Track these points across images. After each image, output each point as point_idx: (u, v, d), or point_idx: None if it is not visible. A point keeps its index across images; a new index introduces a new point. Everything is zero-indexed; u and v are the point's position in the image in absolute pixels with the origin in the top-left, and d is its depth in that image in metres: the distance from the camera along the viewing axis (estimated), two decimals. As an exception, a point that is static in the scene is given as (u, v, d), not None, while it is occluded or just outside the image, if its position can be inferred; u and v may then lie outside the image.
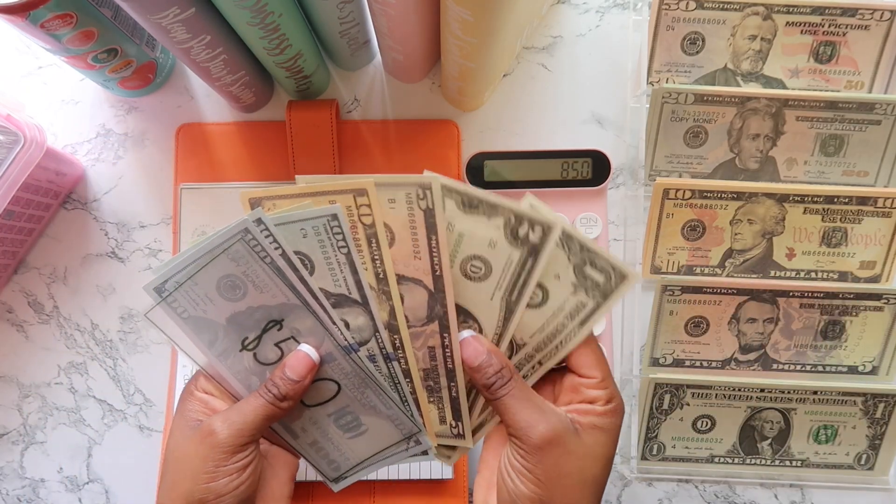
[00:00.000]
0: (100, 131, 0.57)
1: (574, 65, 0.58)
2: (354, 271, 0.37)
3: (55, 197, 0.55)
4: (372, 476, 0.52)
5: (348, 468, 0.42)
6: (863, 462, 0.54)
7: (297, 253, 0.37)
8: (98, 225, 0.56)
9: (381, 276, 0.38)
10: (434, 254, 0.37)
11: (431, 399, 0.41)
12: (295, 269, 0.36)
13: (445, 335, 0.39)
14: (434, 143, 0.56)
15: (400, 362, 0.39)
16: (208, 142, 0.56)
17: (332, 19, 0.48)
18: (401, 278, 0.38)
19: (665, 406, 0.53)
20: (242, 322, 0.38)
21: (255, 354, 0.39)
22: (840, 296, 0.53)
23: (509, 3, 0.40)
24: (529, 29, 0.56)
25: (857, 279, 0.54)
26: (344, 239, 0.37)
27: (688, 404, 0.53)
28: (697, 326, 0.53)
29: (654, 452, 0.54)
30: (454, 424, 0.41)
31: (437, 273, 0.38)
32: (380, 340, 0.39)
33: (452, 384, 0.40)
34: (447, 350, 0.39)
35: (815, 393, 0.52)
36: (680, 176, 0.55)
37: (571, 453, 0.36)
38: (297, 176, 0.37)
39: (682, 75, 0.55)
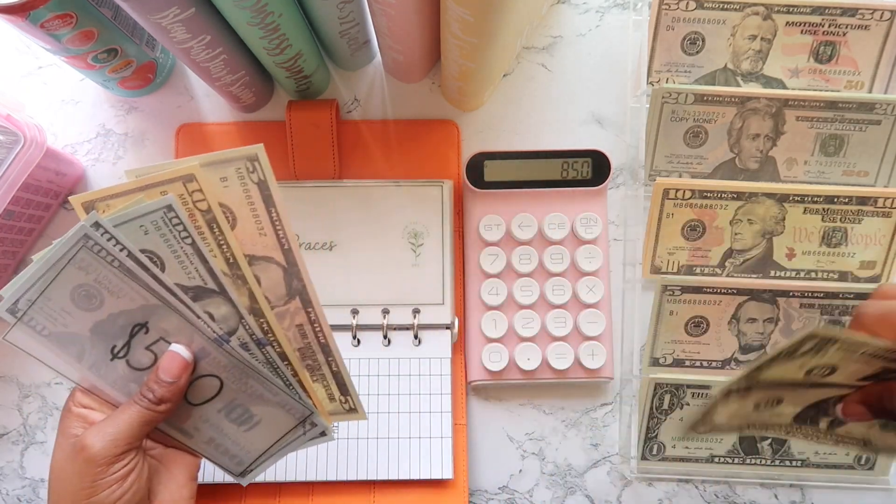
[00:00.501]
0: (100, 131, 0.57)
1: (574, 65, 0.58)
2: (204, 260, 0.36)
3: (55, 197, 0.55)
4: (371, 476, 0.52)
5: (251, 461, 0.42)
6: (863, 462, 0.54)
7: (143, 251, 0.36)
8: (98, 225, 0.56)
9: (230, 260, 0.37)
10: (278, 227, 0.36)
11: (315, 378, 0.40)
12: (145, 269, 0.35)
13: (310, 310, 0.38)
14: (434, 143, 0.56)
15: (273, 346, 0.39)
16: (208, 142, 0.56)
17: (332, 19, 0.48)
18: (252, 258, 0.37)
19: (665, 406, 0.53)
20: (107, 330, 0.37)
21: (127, 361, 0.38)
22: (840, 296, 0.53)
23: (509, 3, 0.40)
24: (529, 29, 0.56)
25: (857, 279, 0.54)
26: (185, 229, 0.36)
27: (688, 404, 0.53)
28: (697, 326, 0.53)
29: (654, 452, 0.54)
30: (343, 400, 0.41)
31: (286, 247, 0.37)
32: (247, 327, 0.38)
33: (330, 359, 0.40)
34: (316, 325, 0.39)
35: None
36: (680, 176, 0.55)
37: None
38: (125, 170, 0.36)
39: (682, 75, 0.55)
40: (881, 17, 0.53)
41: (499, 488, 0.55)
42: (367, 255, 0.54)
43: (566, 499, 0.55)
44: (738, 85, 0.55)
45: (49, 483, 0.37)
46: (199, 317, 0.37)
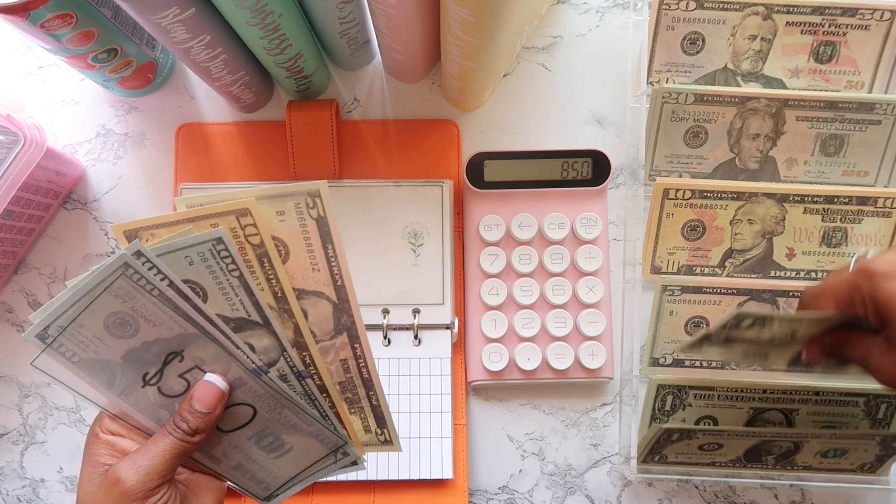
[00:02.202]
0: (100, 131, 0.57)
1: (574, 65, 0.58)
2: (250, 293, 0.35)
3: (55, 197, 0.55)
4: (371, 476, 0.52)
5: (278, 486, 0.41)
6: (866, 469, 0.53)
7: (186, 281, 0.35)
8: (98, 225, 0.56)
9: (278, 294, 0.36)
10: (333, 263, 0.36)
11: (353, 410, 0.40)
12: (187, 298, 0.34)
13: (356, 345, 0.38)
14: (434, 143, 0.56)
15: (313, 378, 0.38)
16: (208, 142, 0.56)
17: (332, 19, 0.48)
18: (301, 292, 0.36)
19: (667, 407, 0.53)
20: (140, 357, 0.36)
21: (159, 388, 0.37)
22: (840, 296, 0.53)
23: (509, 3, 0.40)
24: (529, 29, 0.56)
25: (857, 279, 0.54)
26: (234, 262, 0.34)
27: (690, 405, 0.53)
28: (697, 326, 0.53)
29: (656, 459, 0.53)
30: (379, 432, 0.41)
31: (339, 283, 0.36)
32: (289, 359, 0.37)
33: (371, 393, 0.39)
34: (360, 361, 0.38)
35: (818, 394, 0.52)
36: (680, 176, 0.55)
37: None
38: (174, 199, 0.35)
39: (682, 75, 0.55)
40: (881, 17, 0.53)
41: (499, 488, 0.55)
42: (367, 256, 0.54)
43: (566, 499, 0.55)
44: (738, 85, 0.55)
45: None
46: (238, 347, 0.36)
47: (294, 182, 0.34)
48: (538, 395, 0.55)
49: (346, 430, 0.40)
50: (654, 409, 0.53)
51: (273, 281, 0.36)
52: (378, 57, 0.57)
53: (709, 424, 0.53)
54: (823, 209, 0.53)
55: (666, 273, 0.54)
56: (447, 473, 0.52)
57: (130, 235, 0.35)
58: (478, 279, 0.54)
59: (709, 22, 0.54)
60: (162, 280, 0.34)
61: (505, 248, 0.54)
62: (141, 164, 0.57)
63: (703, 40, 0.54)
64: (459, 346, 0.54)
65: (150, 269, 0.33)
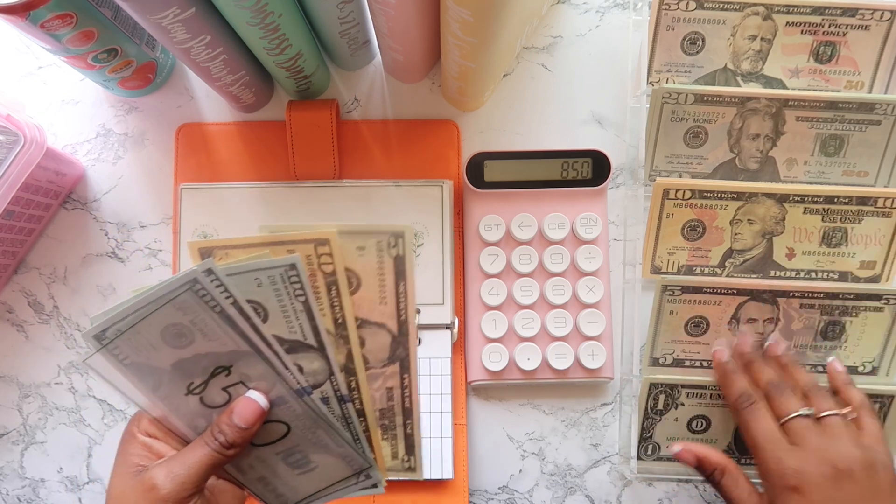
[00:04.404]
0: (100, 131, 0.57)
1: (574, 65, 0.58)
2: (311, 318, 0.36)
3: (55, 197, 0.55)
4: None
5: (296, 501, 0.42)
6: None
7: (250, 301, 0.35)
8: (98, 225, 0.56)
9: (339, 321, 0.37)
10: (401, 300, 0.37)
11: (385, 437, 0.41)
12: (247, 317, 0.35)
13: (405, 376, 0.39)
14: (434, 143, 0.56)
15: (354, 402, 0.39)
16: (208, 142, 0.56)
17: (332, 19, 0.48)
18: (364, 322, 0.37)
19: (660, 406, 0.53)
20: (188, 368, 0.37)
21: (201, 398, 0.38)
22: (840, 296, 0.53)
23: (509, 3, 0.40)
24: (529, 29, 0.56)
25: (857, 279, 0.54)
26: (302, 288, 0.35)
27: (682, 404, 0.53)
28: (697, 326, 0.53)
29: (649, 452, 0.53)
30: (406, 459, 0.41)
31: (403, 318, 0.37)
32: (335, 383, 0.38)
33: (408, 422, 0.40)
34: (406, 391, 0.39)
35: (814, 393, 0.52)
36: (680, 176, 0.55)
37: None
38: (259, 225, 0.36)
39: (682, 75, 0.55)
40: (881, 18, 0.53)
41: (499, 488, 0.55)
42: (367, 255, 0.54)
43: (566, 499, 0.55)
44: (738, 85, 0.55)
45: None
46: (287, 367, 0.37)
47: (377, 223, 0.35)
48: (538, 395, 0.55)
49: (373, 454, 0.41)
50: (646, 409, 0.53)
51: (336, 308, 0.37)
52: (378, 57, 0.57)
53: (701, 424, 0.53)
54: (823, 209, 0.53)
55: (666, 273, 0.54)
56: (447, 473, 0.52)
57: (205, 253, 0.36)
58: (478, 279, 0.54)
59: (709, 22, 0.54)
60: (227, 298, 0.35)
61: (505, 248, 0.54)
62: (141, 164, 0.57)
63: (703, 40, 0.54)
64: (459, 346, 0.55)
65: (217, 286, 0.34)
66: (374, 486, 0.42)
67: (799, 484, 0.42)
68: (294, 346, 0.37)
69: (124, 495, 0.36)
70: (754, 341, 0.51)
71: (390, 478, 0.43)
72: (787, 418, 0.45)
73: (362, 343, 0.38)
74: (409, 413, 0.40)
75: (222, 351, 0.36)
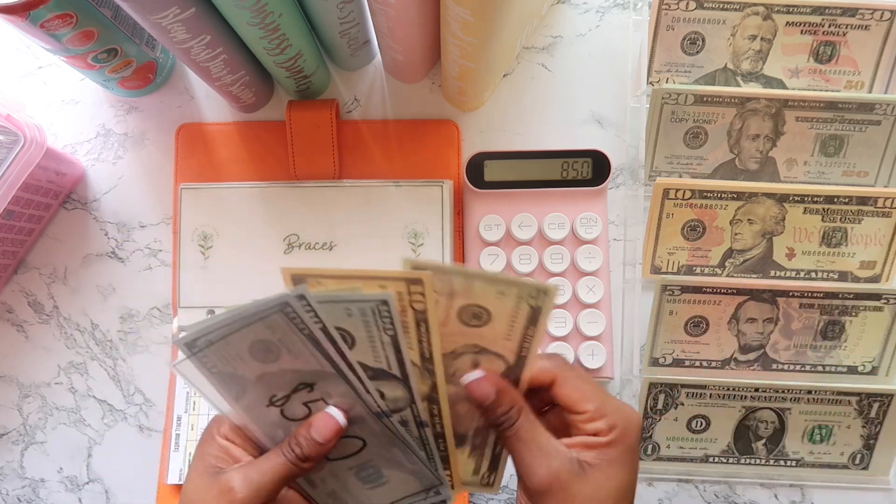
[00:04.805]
0: (100, 131, 0.57)
1: (574, 65, 0.58)
2: (398, 351, 0.36)
3: (55, 197, 0.55)
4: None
5: None
6: (857, 462, 0.54)
7: (338, 329, 0.36)
8: (98, 225, 0.56)
9: (426, 355, 0.37)
10: (526, 341, 0.37)
11: (473, 454, 0.41)
12: (334, 342, 0.36)
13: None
14: (434, 143, 0.56)
15: (435, 427, 0.39)
16: (208, 142, 0.56)
17: (332, 19, 0.48)
18: (482, 350, 0.38)
19: (660, 406, 0.53)
20: (272, 382, 0.37)
21: (282, 410, 0.38)
22: (840, 296, 0.53)
23: (509, 3, 0.40)
24: (529, 29, 0.56)
25: (857, 279, 0.54)
26: (392, 324, 0.36)
27: (682, 404, 0.53)
28: (697, 326, 0.53)
29: (649, 452, 0.54)
30: (487, 476, 0.41)
31: (523, 354, 0.38)
32: (415, 410, 0.38)
33: (499, 440, 0.40)
34: None
35: (810, 393, 0.52)
36: (680, 176, 0.55)
37: (576, 496, 0.34)
38: (405, 258, 0.37)
39: (682, 75, 0.55)
40: (881, 17, 0.53)
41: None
42: (367, 255, 0.54)
43: (566, 499, 0.55)
44: (738, 85, 0.55)
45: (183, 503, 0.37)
46: (368, 392, 0.37)
47: (520, 277, 0.36)
48: (538, 395, 0.55)
49: (448, 471, 0.41)
50: (646, 408, 0.53)
51: (423, 343, 0.37)
52: (378, 57, 0.57)
53: (701, 423, 0.53)
54: (823, 209, 0.53)
55: (666, 273, 0.54)
56: (447, 473, 0.52)
57: (297, 279, 0.36)
58: (478, 279, 0.54)
59: (709, 22, 0.54)
60: (316, 323, 0.35)
61: (505, 248, 0.54)
62: (141, 164, 0.57)
63: (703, 40, 0.54)
64: (459, 346, 0.54)
65: (308, 311, 0.35)
66: (444, 502, 0.42)
67: None
68: (378, 374, 0.37)
69: (200, 493, 0.37)
70: None
71: (465, 491, 0.43)
72: None
73: (476, 364, 0.38)
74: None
75: (307, 369, 0.37)
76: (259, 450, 0.39)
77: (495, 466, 0.41)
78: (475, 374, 0.37)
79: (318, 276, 0.36)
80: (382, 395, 0.38)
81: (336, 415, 0.37)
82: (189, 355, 0.36)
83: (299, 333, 0.35)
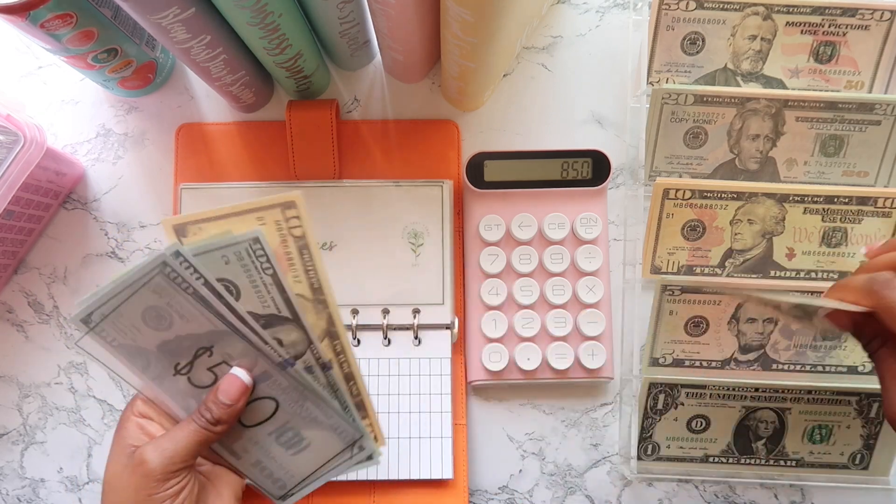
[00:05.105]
0: (100, 131, 0.57)
1: (574, 65, 0.58)
2: (282, 290, 0.37)
3: (55, 197, 0.55)
4: (371, 476, 0.52)
5: (293, 484, 0.42)
6: (857, 462, 0.54)
7: (221, 280, 0.37)
8: (98, 225, 0.56)
9: (315, 286, 0.38)
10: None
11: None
12: (220, 297, 0.36)
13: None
14: (434, 143, 0.56)
15: (342, 367, 0.40)
16: (208, 142, 0.56)
17: (332, 19, 0.48)
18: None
19: (660, 406, 0.53)
20: (172, 349, 0.38)
21: (189, 378, 0.39)
22: (840, 296, 0.53)
23: (509, 3, 0.40)
24: (529, 29, 0.56)
25: (856, 279, 0.54)
26: (268, 261, 0.36)
27: (682, 404, 0.53)
28: (697, 326, 0.53)
29: (649, 452, 0.54)
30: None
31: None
32: (315, 351, 0.39)
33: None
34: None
35: (810, 392, 0.52)
36: (680, 176, 0.55)
37: None
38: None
39: (682, 75, 0.55)
40: (881, 17, 0.53)
41: (499, 488, 0.55)
42: (366, 255, 0.54)
43: (566, 499, 0.55)
44: (738, 85, 0.55)
45: (104, 490, 0.38)
46: (266, 342, 0.38)
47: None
48: (538, 395, 0.55)
49: (369, 419, 0.41)
50: (646, 408, 0.53)
51: (311, 272, 0.38)
52: (378, 57, 0.57)
53: (701, 423, 0.53)
54: (823, 209, 0.53)
55: (666, 273, 0.54)
56: (447, 473, 0.52)
57: (179, 230, 0.37)
58: (478, 279, 0.54)
59: (709, 22, 0.54)
60: (198, 279, 0.36)
61: (505, 248, 0.54)
62: (141, 164, 0.57)
63: (703, 40, 0.54)
64: (459, 346, 0.55)
65: (186, 268, 0.35)
66: (370, 457, 0.42)
67: None
68: (270, 321, 0.38)
69: (117, 475, 0.37)
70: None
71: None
72: None
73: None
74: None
75: (201, 332, 0.37)
76: (175, 424, 0.39)
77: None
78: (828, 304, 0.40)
79: (196, 221, 0.37)
80: (281, 343, 0.38)
81: (240, 374, 0.38)
82: (86, 331, 0.36)
83: (183, 293, 0.36)
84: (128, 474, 0.37)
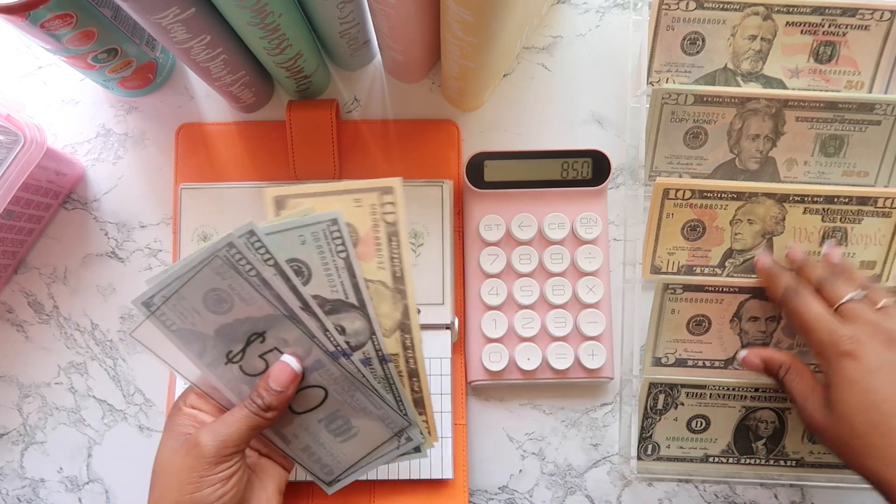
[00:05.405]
0: (100, 131, 0.57)
1: (574, 65, 0.58)
2: (352, 275, 0.37)
3: (55, 197, 0.55)
4: (371, 476, 0.52)
5: (341, 471, 0.43)
6: None
7: (292, 261, 0.36)
8: (98, 225, 0.56)
9: (397, 275, 0.38)
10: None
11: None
12: (286, 278, 0.36)
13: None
14: (434, 143, 0.56)
15: (408, 362, 0.39)
16: (208, 142, 0.56)
17: (332, 19, 0.48)
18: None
19: (660, 406, 0.53)
20: (229, 334, 0.38)
21: (241, 366, 0.39)
22: (840, 296, 0.53)
23: (509, 3, 0.40)
24: (529, 29, 0.56)
25: (857, 279, 0.54)
26: (343, 243, 0.36)
27: (682, 404, 0.53)
28: (699, 325, 0.53)
29: (649, 452, 0.54)
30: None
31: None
32: (376, 343, 0.39)
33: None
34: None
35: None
36: (680, 176, 0.55)
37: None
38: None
39: (682, 75, 0.55)
40: (881, 17, 0.53)
41: (499, 488, 0.55)
42: (367, 255, 0.54)
43: (566, 499, 0.55)
44: (738, 85, 0.55)
45: (154, 475, 0.38)
46: (326, 329, 0.38)
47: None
48: (538, 395, 0.55)
49: (425, 415, 0.41)
50: (646, 408, 0.53)
51: (396, 261, 0.38)
52: (378, 57, 0.57)
53: (701, 423, 0.53)
54: (823, 209, 0.53)
55: (666, 273, 0.54)
56: (447, 473, 0.52)
57: (280, 202, 0.37)
58: (478, 279, 0.54)
59: (709, 22, 0.54)
60: (268, 260, 0.36)
61: (505, 248, 0.54)
62: (141, 164, 0.57)
63: (703, 40, 0.54)
64: (459, 346, 0.54)
65: (258, 248, 0.35)
66: (417, 449, 0.42)
67: (853, 349, 0.42)
68: (336, 307, 0.38)
69: (169, 459, 0.38)
70: (804, 251, 0.51)
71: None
72: (840, 302, 0.45)
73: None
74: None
75: (259, 316, 0.37)
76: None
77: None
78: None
79: (297, 195, 0.37)
80: (343, 331, 0.38)
81: (290, 361, 0.39)
82: (147, 315, 0.36)
83: (246, 275, 0.36)
84: (180, 457, 0.38)
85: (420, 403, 0.41)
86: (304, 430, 0.41)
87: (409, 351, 0.39)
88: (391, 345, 0.39)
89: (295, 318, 0.37)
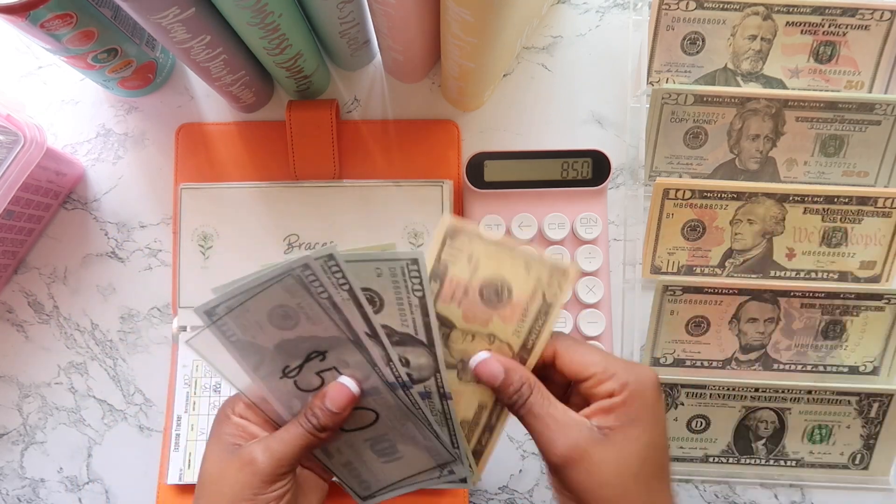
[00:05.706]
0: (100, 131, 0.57)
1: (574, 65, 0.58)
2: (425, 314, 0.36)
3: (55, 197, 0.55)
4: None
5: (379, 488, 0.42)
6: (857, 462, 0.54)
7: (366, 289, 0.36)
8: (98, 225, 0.56)
9: (528, 346, 0.37)
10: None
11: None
12: (360, 306, 0.36)
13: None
14: (434, 143, 0.56)
15: (491, 418, 0.39)
16: (208, 142, 0.56)
17: (332, 19, 0.48)
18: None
19: None
20: (290, 350, 0.37)
21: (295, 382, 0.38)
22: (841, 296, 0.53)
23: (509, 3, 0.40)
24: (529, 29, 0.56)
25: (857, 279, 0.54)
26: (420, 284, 0.35)
27: (682, 404, 0.53)
28: (698, 326, 0.53)
29: None
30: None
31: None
32: (439, 380, 0.38)
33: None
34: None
35: (810, 392, 0.52)
36: (680, 176, 0.55)
37: (601, 463, 0.34)
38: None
39: (682, 75, 0.55)
40: (881, 17, 0.53)
41: (499, 488, 0.55)
42: (367, 255, 0.54)
43: (566, 499, 0.55)
44: (738, 85, 0.55)
45: (202, 483, 0.37)
46: (391, 359, 0.37)
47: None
48: (538, 395, 0.55)
49: (480, 461, 0.40)
50: None
51: (534, 335, 0.37)
52: (378, 57, 0.57)
53: (701, 423, 0.53)
54: (823, 209, 0.53)
55: (666, 273, 0.54)
56: (447, 473, 0.52)
57: (452, 233, 0.36)
58: (478, 279, 0.54)
59: (709, 22, 0.54)
60: (343, 285, 0.35)
61: (505, 248, 0.54)
62: (141, 164, 0.57)
63: (703, 40, 0.54)
64: (459, 346, 0.54)
65: (335, 272, 0.34)
66: (463, 480, 0.41)
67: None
68: (403, 339, 0.37)
69: (219, 470, 0.37)
70: None
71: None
72: None
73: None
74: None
75: (323, 336, 0.36)
76: (274, 426, 0.39)
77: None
78: (481, 356, 0.37)
79: (472, 234, 0.36)
80: (407, 363, 0.37)
81: (349, 384, 0.37)
82: (209, 324, 0.35)
83: (318, 296, 0.35)
84: (234, 471, 0.36)
85: (479, 454, 0.40)
86: (348, 446, 0.40)
87: (497, 409, 0.39)
88: (486, 398, 0.38)
89: (359, 344, 0.36)
